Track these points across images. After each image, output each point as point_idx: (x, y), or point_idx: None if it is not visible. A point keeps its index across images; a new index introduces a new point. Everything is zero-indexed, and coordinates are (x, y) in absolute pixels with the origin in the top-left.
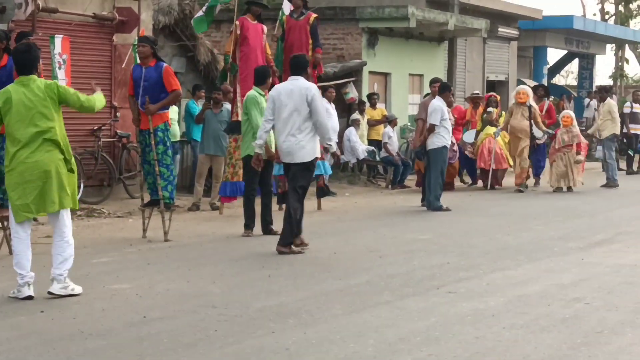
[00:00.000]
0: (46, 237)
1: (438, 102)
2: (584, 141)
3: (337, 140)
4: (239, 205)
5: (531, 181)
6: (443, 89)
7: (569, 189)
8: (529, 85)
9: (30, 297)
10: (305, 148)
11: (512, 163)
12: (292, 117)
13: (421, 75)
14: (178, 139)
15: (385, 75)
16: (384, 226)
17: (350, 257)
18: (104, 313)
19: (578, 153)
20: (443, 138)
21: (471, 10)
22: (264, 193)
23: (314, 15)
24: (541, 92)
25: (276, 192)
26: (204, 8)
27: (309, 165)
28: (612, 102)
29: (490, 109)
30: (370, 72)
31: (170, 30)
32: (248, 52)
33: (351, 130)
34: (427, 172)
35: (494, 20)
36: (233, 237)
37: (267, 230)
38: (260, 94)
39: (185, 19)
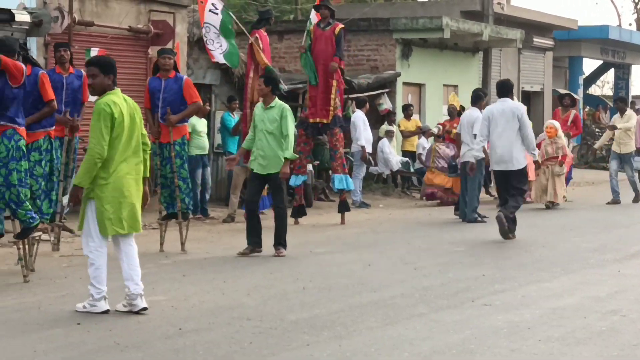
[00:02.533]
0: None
1: (477, 112)
2: (569, 154)
3: (370, 152)
4: (270, 218)
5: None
6: (476, 98)
7: (551, 203)
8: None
9: (107, 311)
10: (519, 157)
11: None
12: (505, 132)
13: (455, 86)
14: (207, 151)
15: (420, 86)
16: (418, 238)
17: (384, 269)
18: (139, 325)
19: (561, 164)
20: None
21: (506, 21)
22: (276, 214)
23: (341, 25)
24: (567, 101)
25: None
26: (222, 46)
27: (523, 170)
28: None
29: None
30: (405, 83)
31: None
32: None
33: (384, 141)
34: (462, 183)
35: (528, 31)
36: (267, 249)
37: (277, 249)
38: (262, 106)
39: None
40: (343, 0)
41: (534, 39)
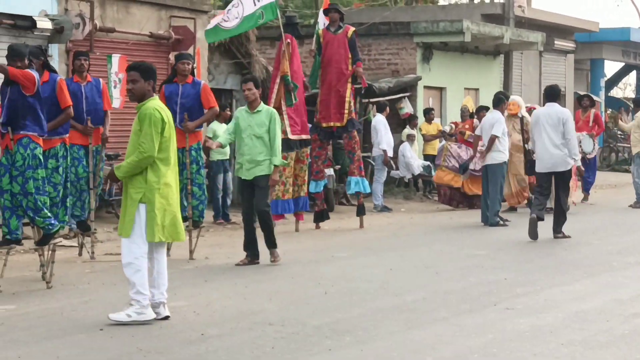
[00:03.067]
0: (105, 254)
1: (499, 115)
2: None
3: (392, 156)
4: (292, 222)
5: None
6: (498, 101)
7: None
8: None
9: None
10: (566, 159)
11: None
12: (552, 135)
13: (477, 90)
14: (228, 156)
15: (441, 89)
16: (440, 242)
17: (406, 274)
18: (162, 331)
19: None
20: (502, 153)
21: (527, 24)
22: (260, 219)
23: (352, 28)
24: (586, 102)
25: (307, 209)
26: (225, 22)
27: (570, 171)
28: None
29: None
30: (425, 87)
31: (225, 48)
32: (296, 68)
33: (405, 145)
34: (484, 187)
35: (550, 33)
36: (288, 254)
37: (272, 254)
38: (247, 111)
39: (240, 37)
40: (363, 4)
41: (555, 42)
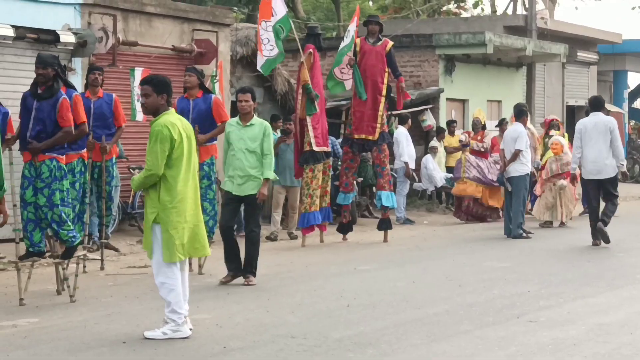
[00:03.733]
0: (127, 267)
1: (521, 128)
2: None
3: (413, 168)
4: (331, 233)
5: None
6: (520, 113)
7: (561, 224)
8: (609, 110)
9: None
10: (611, 166)
11: None
12: (598, 143)
13: (499, 102)
14: None
15: (463, 101)
16: (463, 254)
17: (429, 286)
18: (184, 343)
19: (563, 179)
20: (525, 165)
21: (549, 36)
22: (248, 239)
23: (391, 42)
24: None
25: (331, 220)
26: (269, 51)
27: (615, 177)
28: None
29: (552, 132)
30: (448, 99)
31: (247, 61)
32: (317, 79)
33: (428, 157)
34: (507, 199)
35: (572, 45)
36: (311, 267)
37: (247, 277)
38: (238, 123)
39: None
40: (386, 17)
41: (578, 53)
